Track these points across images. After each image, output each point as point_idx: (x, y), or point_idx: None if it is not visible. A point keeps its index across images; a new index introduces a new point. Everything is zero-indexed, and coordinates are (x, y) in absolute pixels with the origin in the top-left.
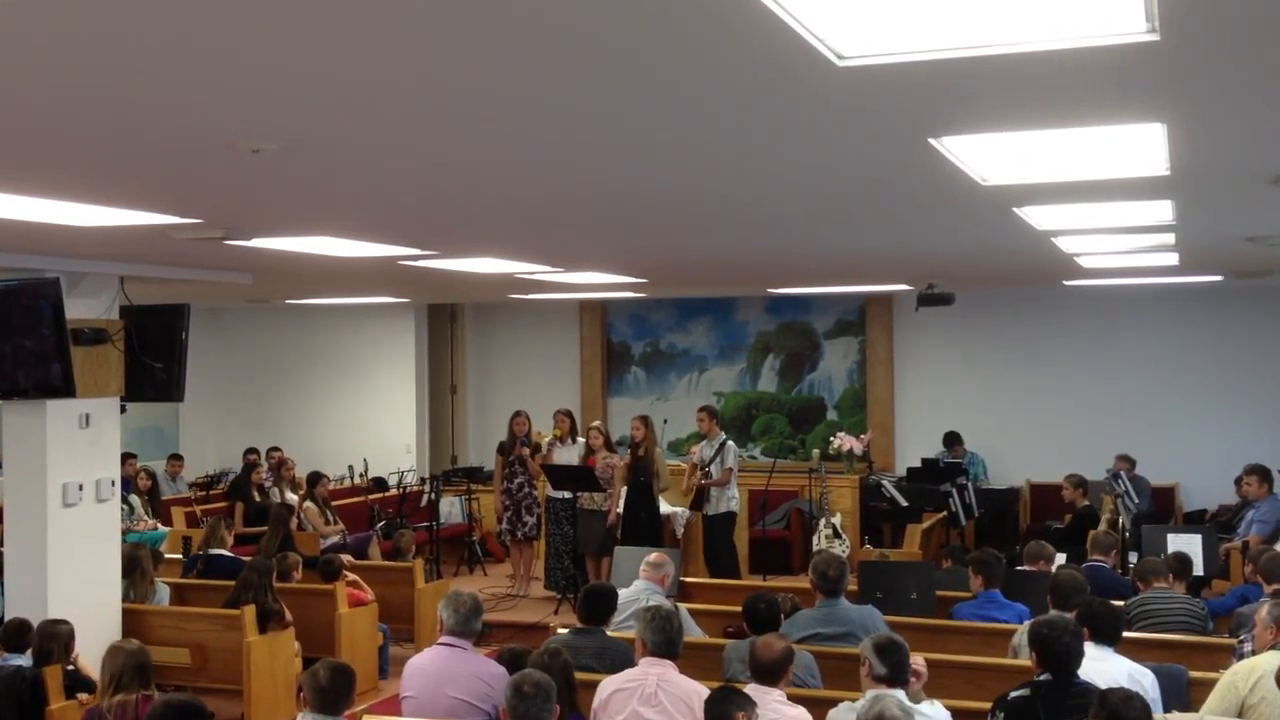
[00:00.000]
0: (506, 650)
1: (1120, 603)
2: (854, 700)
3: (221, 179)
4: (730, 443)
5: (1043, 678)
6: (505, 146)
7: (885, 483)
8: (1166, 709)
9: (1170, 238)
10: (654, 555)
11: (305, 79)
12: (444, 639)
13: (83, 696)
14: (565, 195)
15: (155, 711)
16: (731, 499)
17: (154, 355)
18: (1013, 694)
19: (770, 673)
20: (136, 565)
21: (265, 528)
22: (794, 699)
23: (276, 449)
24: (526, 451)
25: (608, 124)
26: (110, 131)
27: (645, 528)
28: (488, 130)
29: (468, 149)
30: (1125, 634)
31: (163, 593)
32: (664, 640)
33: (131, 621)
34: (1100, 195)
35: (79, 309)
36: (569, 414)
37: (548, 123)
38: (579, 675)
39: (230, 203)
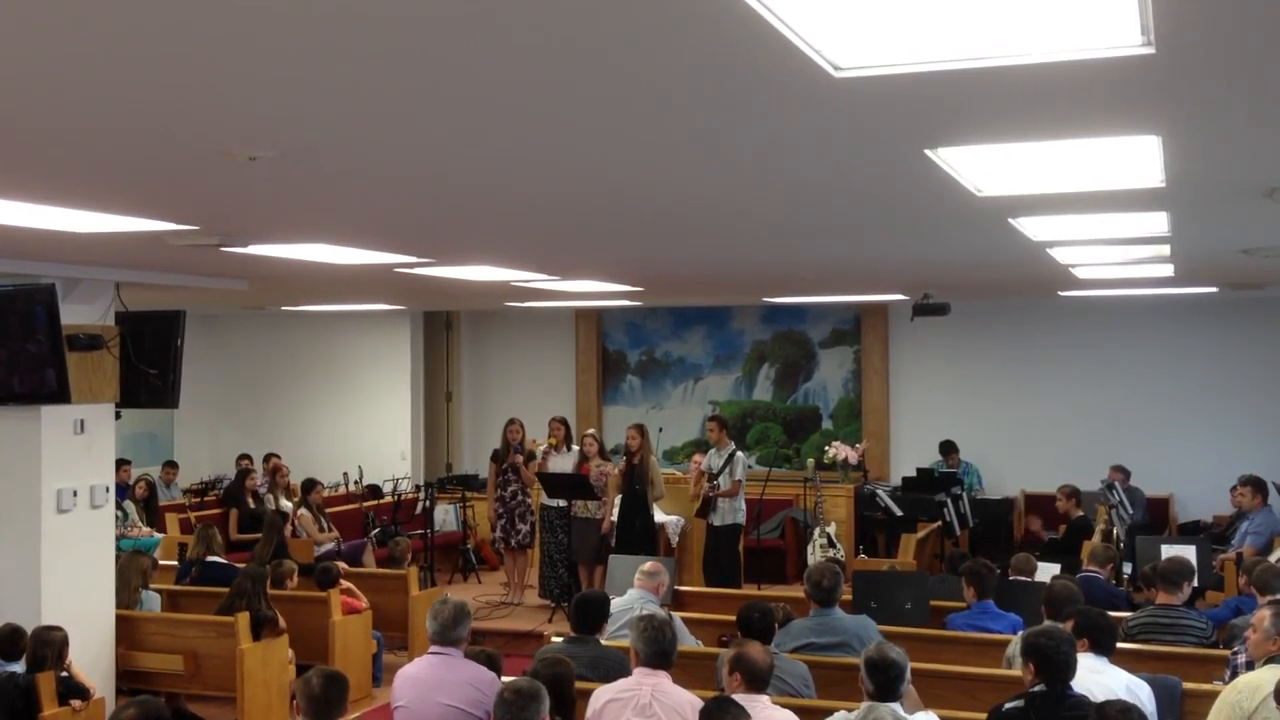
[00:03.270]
0: (482, 653)
1: (1117, 614)
2: (849, 710)
3: (218, 186)
4: (740, 454)
5: (1037, 689)
6: (500, 156)
7: (880, 492)
8: None
9: (1165, 249)
10: (648, 564)
11: (303, 86)
12: (432, 649)
13: (75, 703)
14: (561, 205)
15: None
16: (738, 510)
17: (149, 361)
18: (1007, 705)
19: (764, 681)
20: (119, 574)
21: (259, 534)
22: (788, 708)
23: (274, 455)
24: (520, 459)
25: (603, 135)
26: (107, 138)
27: (640, 536)
28: (484, 140)
29: (465, 158)
30: (1121, 645)
31: (152, 600)
32: (657, 651)
33: (125, 629)
34: (1095, 207)
35: (74, 315)
36: (564, 422)
37: (544, 134)
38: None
39: (226, 209)
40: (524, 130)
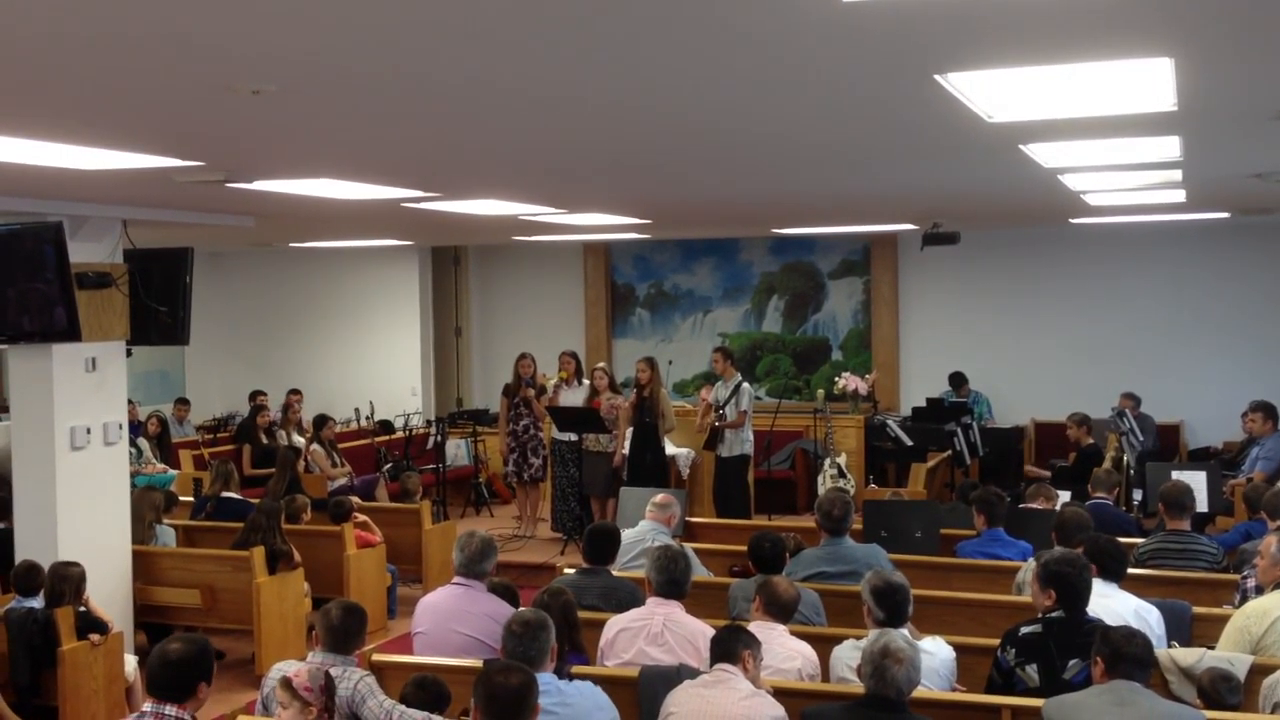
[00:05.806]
0: (500, 584)
1: (1129, 540)
2: (858, 638)
3: (222, 121)
4: (745, 385)
5: (1056, 614)
6: (507, 86)
7: (890, 422)
8: (1169, 645)
9: (1177, 174)
10: (660, 496)
11: (306, 18)
12: (455, 579)
13: (94, 637)
14: (568, 135)
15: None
16: (745, 441)
17: (158, 299)
18: (1024, 630)
19: (785, 610)
20: (132, 510)
21: (272, 470)
22: (800, 636)
23: (296, 391)
24: (531, 393)
25: (609, 63)
26: (111, 73)
27: (650, 469)
28: (489, 69)
29: (469, 88)
30: (1131, 570)
31: (167, 535)
32: (669, 580)
33: (141, 564)
34: (1107, 132)
35: (82, 253)
36: (574, 356)
37: (550, 61)
38: (586, 615)
39: (231, 145)
40: (529, 60)
